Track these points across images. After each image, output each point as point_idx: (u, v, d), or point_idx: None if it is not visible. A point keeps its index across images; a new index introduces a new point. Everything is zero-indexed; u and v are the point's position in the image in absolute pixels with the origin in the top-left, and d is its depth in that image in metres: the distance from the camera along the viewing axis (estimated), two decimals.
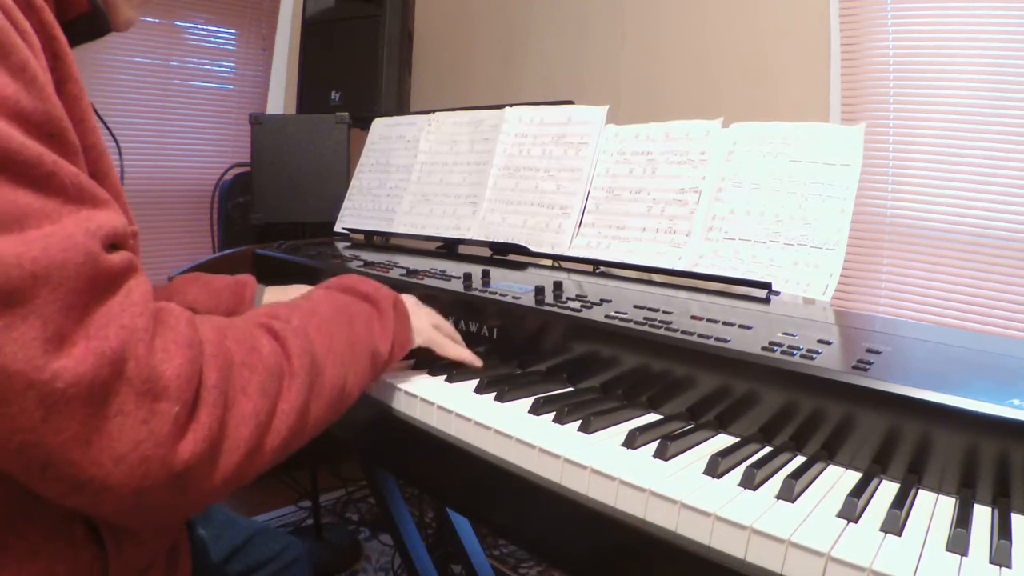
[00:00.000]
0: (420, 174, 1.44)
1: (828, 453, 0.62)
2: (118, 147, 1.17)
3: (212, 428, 0.47)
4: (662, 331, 0.75)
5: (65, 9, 0.59)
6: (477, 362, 0.86)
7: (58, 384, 0.40)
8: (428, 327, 0.85)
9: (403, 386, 0.79)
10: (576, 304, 0.87)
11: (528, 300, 0.90)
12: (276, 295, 1.02)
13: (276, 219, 1.74)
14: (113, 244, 0.46)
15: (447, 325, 0.90)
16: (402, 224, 1.41)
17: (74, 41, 0.64)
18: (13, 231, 0.40)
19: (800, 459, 0.62)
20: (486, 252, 1.27)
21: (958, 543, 0.47)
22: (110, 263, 0.44)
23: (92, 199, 0.46)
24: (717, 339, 0.71)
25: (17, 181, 0.41)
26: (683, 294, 0.94)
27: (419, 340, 0.82)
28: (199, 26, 2.60)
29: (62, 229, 0.42)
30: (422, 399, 0.75)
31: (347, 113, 1.79)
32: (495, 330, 0.92)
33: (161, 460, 0.44)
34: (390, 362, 0.75)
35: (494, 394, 0.76)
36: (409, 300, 0.84)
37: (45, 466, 0.42)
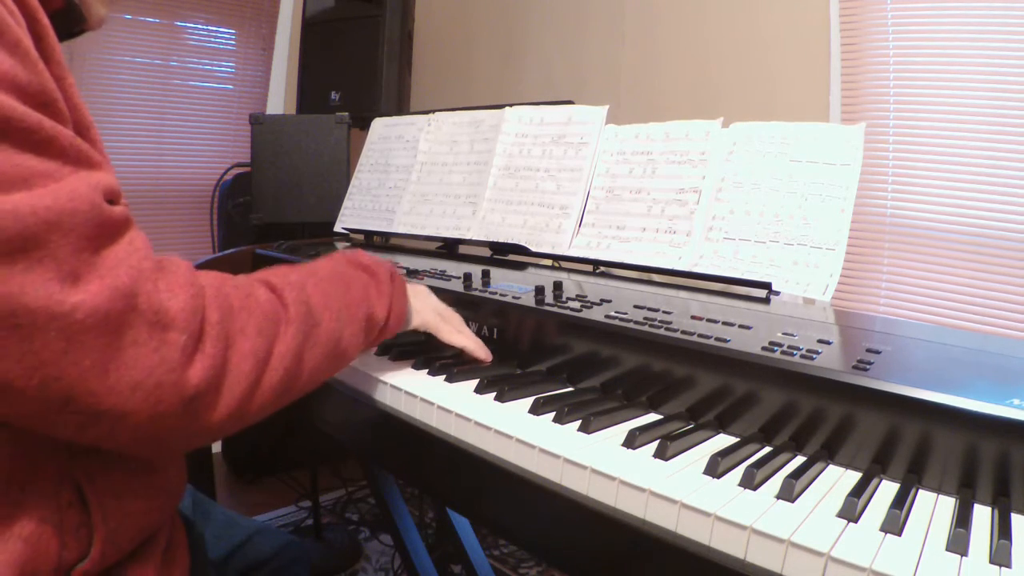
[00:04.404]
0: (420, 174, 1.44)
1: (828, 453, 0.62)
2: None
3: (216, 358, 0.51)
4: (662, 331, 0.75)
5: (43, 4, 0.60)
6: (483, 352, 0.85)
7: (78, 315, 0.44)
8: (429, 311, 0.85)
9: (403, 386, 0.79)
10: (576, 304, 0.87)
11: (528, 300, 0.90)
12: None
13: (276, 219, 1.74)
14: (110, 200, 0.50)
15: (455, 317, 0.89)
16: (402, 224, 1.41)
17: None
18: (22, 189, 0.43)
19: (800, 459, 0.62)
20: (486, 252, 1.27)
21: (958, 543, 0.47)
22: (113, 213, 0.48)
23: (89, 161, 0.49)
24: (717, 339, 0.71)
25: (21, 146, 0.44)
26: (683, 294, 0.94)
27: (416, 320, 0.83)
28: (199, 26, 2.60)
29: (67, 184, 0.46)
30: (422, 399, 0.75)
31: (347, 113, 1.79)
32: (495, 330, 0.92)
33: (173, 384, 0.48)
34: (386, 330, 0.76)
35: (494, 394, 0.76)
36: (416, 286, 0.85)
37: (67, 400, 0.45)
